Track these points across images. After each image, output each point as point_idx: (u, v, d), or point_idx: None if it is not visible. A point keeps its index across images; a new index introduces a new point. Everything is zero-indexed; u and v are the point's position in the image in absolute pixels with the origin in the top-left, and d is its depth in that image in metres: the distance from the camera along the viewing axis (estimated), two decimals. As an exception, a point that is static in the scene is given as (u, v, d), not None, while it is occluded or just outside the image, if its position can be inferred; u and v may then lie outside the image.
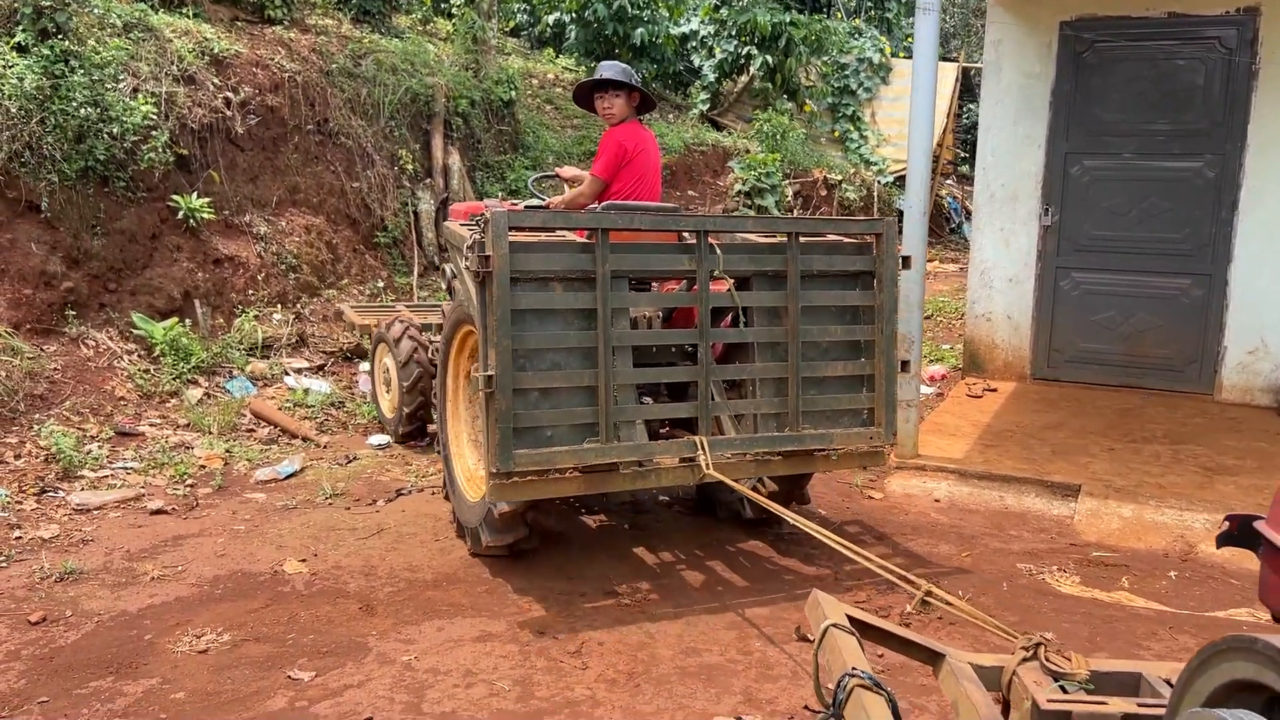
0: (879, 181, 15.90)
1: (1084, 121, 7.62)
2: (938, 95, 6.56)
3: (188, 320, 7.37)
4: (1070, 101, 7.63)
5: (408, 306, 7.84)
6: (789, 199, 14.04)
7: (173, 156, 7.65)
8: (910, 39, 19.55)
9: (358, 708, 3.41)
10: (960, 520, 5.45)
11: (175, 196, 7.69)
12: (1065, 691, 2.13)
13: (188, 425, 6.45)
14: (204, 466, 5.84)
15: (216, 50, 8.39)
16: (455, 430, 5.05)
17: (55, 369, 6.45)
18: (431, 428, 6.40)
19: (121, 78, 7.47)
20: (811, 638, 2.36)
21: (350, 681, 3.58)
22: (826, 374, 4.61)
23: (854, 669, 2.09)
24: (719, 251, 4.39)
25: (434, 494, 5.52)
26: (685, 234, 4.51)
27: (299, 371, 7.61)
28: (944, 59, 15.23)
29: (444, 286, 6.38)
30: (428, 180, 10.51)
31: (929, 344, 9.27)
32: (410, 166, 10.18)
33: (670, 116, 15.72)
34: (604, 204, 5.05)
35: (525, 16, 17.10)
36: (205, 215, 7.83)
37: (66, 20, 7.06)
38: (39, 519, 5.04)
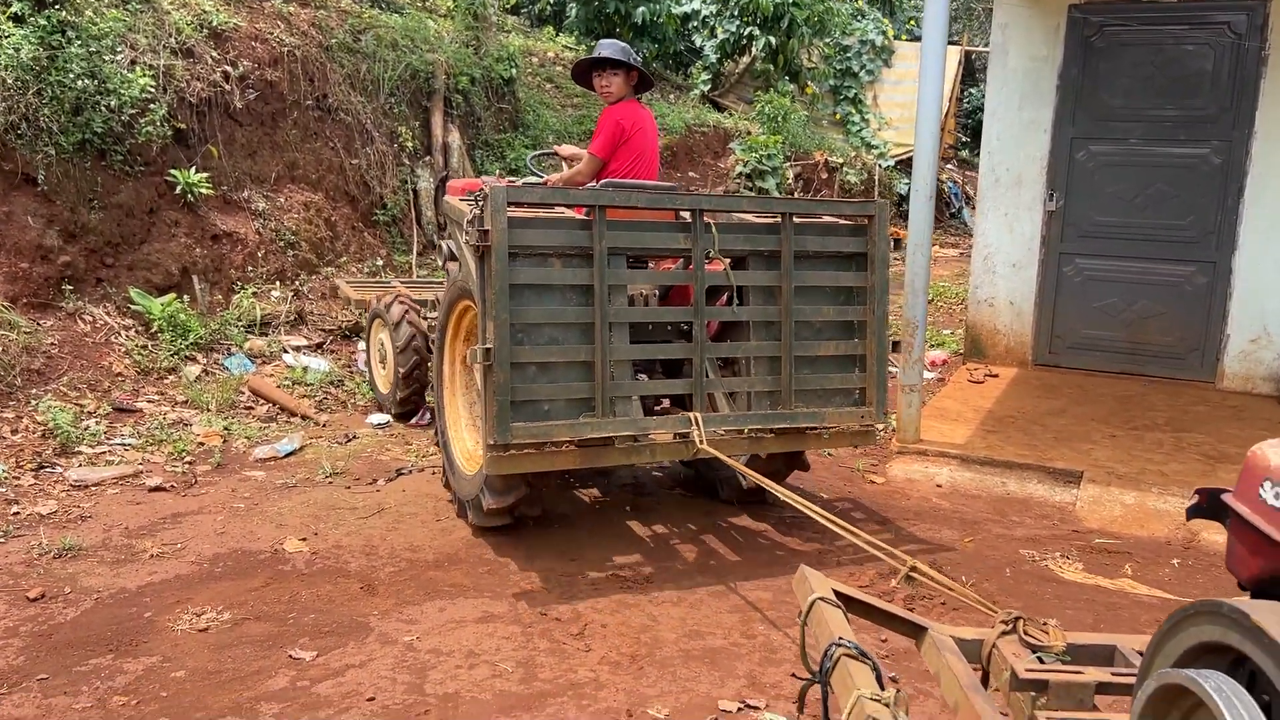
0: (880, 165, 15.84)
1: (1090, 106, 7.57)
2: (945, 78, 6.48)
3: (186, 296, 7.32)
4: (1077, 86, 7.58)
5: (403, 282, 7.81)
6: (790, 181, 13.97)
7: (170, 130, 7.57)
8: (913, 22, 19.47)
9: (360, 688, 3.38)
10: (962, 506, 5.43)
11: (173, 171, 7.62)
12: (1042, 662, 2.19)
13: (186, 402, 6.40)
14: (202, 444, 5.80)
15: (215, 23, 8.29)
16: (453, 417, 5.07)
17: (52, 344, 6.39)
18: (428, 401, 6.42)
19: (119, 49, 7.38)
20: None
21: (352, 661, 3.56)
22: (819, 353, 4.68)
23: (840, 639, 2.13)
24: (715, 231, 4.43)
25: (434, 474, 5.49)
26: (682, 213, 4.56)
27: (298, 349, 7.56)
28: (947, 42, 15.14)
29: (440, 264, 6.37)
30: (427, 158, 10.43)
31: (930, 329, 9.24)
32: (410, 144, 10.10)
33: (671, 97, 15.63)
34: (602, 182, 5.06)
35: (526, -7, 16.98)
36: (203, 190, 7.76)
37: (64, -10, 6.97)
38: (37, 495, 5.00)
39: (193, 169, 7.73)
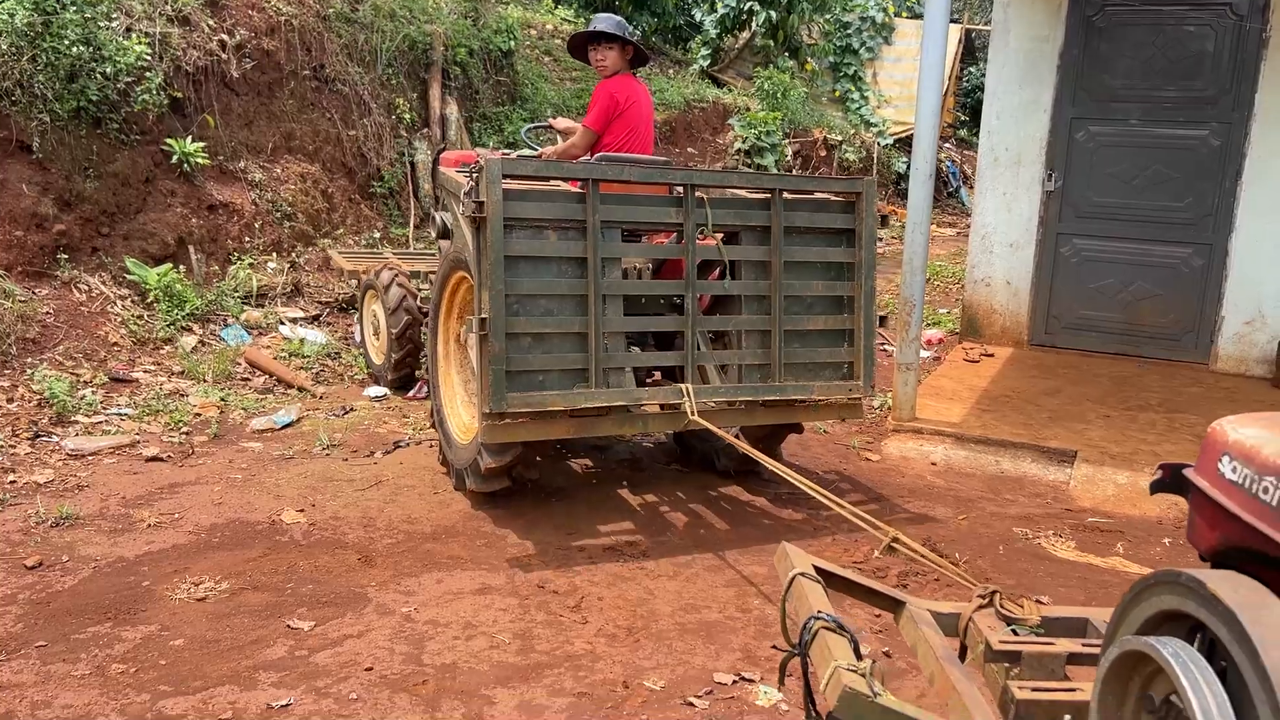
0: (879, 143, 15.80)
1: (1091, 87, 7.55)
2: (946, 55, 6.46)
3: (182, 267, 7.30)
4: (1078, 66, 7.55)
5: (395, 254, 7.81)
6: (788, 158, 13.93)
7: (166, 99, 7.52)
8: (914, -1, 19.34)
9: (358, 658, 3.41)
10: (956, 484, 5.46)
11: (169, 140, 7.57)
12: (1017, 635, 2.23)
13: (182, 373, 6.40)
14: (199, 414, 5.80)
15: (212, -9, 8.22)
16: (449, 395, 5.12)
17: (47, 313, 6.38)
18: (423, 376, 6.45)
19: (114, 16, 7.32)
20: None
21: (350, 632, 3.58)
22: (808, 327, 4.77)
23: (819, 612, 2.18)
24: (708, 205, 4.49)
25: (431, 447, 5.50)
26: (675, 188, 4.62)
27: (294, 321, 7.55)
28: (948, 20, 15.06)
29: (433, 235, 6.40)
30: (425, 130, 10.37)
31: (926, 308, 9.23)
32: (407, 116, 10.05)
33: (670, 72, 15.53)
34: (596, 156, 5.09)
35: (524, -35, 16.82)
36: (199, 160, 7.72)
37: (59, -44, 6.90)
38: (33, 463, 5.00)
39: (189, 138, 7.68)
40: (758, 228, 4.64)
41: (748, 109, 14.32)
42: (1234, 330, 7.33)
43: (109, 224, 7.21)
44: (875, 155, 15.56)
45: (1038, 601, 2.37)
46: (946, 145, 18.55)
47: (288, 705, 3.12)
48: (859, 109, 16.77)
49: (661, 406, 4.54)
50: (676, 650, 3.56)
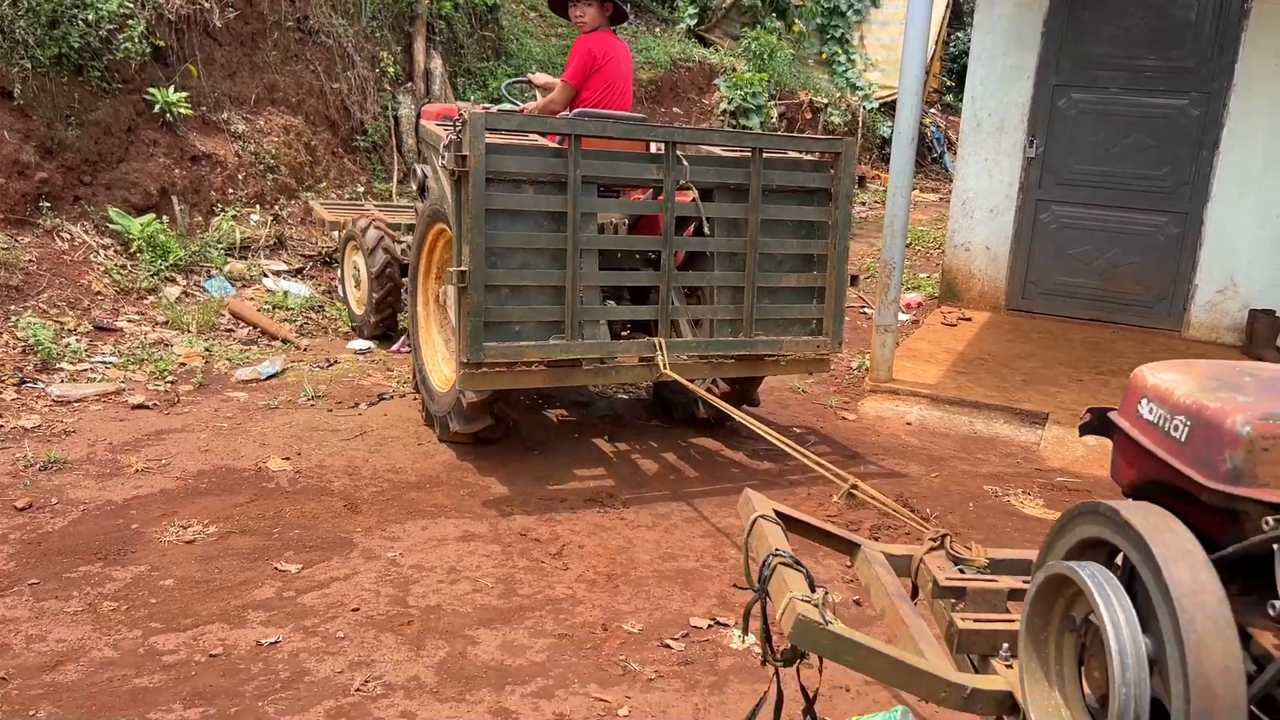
0: (864, 107, 15.80)
1: (1074, 54, 7.60)
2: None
3: (165, 217, 7.28)
4: (1061, 33, 7.60)
5: (377, 206, 7.84)
6: (774, 120, 13.93)
7: (149, 48, 7.46)
8: (902, -38, 19.24)
9: (344, 599, 3.50)
10: (930, 443, 5.59)
11: (151, 89, 7.52)
12: (963, 574, 2.36)
13: (166, 323, 6.42)
14: (184, 364, 5.83)
15: (195, -62, 8.12)
16: (430, 354, 5.21)
17: (30, 261, 6.37)
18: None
19: (97, -38, 7.23)
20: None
21: (336, 575, 3.67)
22: (780, 284, 4.88)
23: (777, 550, 2.29)
24: (686, 163, 4.58)
25: (415, 399, 5.57)
26: (654, 144, 4.70)
27: (277, 274, 7.56)
28: (935, -16, 15.01)
29: (414, 188, 6.45)
30: (409, 84, 10.32)
31: (906, 272, 9.34)
32: (391, 69, 9.99)
33: (657, 30, 15.44)
34: (575, 111, 5.15)
35: (511, -81, 16.60)
36: (182, 110, 7.68)
37: (40, -102, 6.80)
38: (19, 409, 5.04)
39: (171, 88, 7.63)
40: (735, 186, 4.72)
41: (734, 69, 14.28)
42: (1206, 298, 7.47)
43: (91, 173, 7.18)
44: (861, 119, 15.58)
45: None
46: (932, 111, 18.57)
47: (276, 643, 3.21)
48: (845, 72, 16.74)
49: (636, 359, 4.66)
50: (654, 596, 3.67)
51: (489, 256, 4.19)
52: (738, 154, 4.82)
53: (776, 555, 2.27)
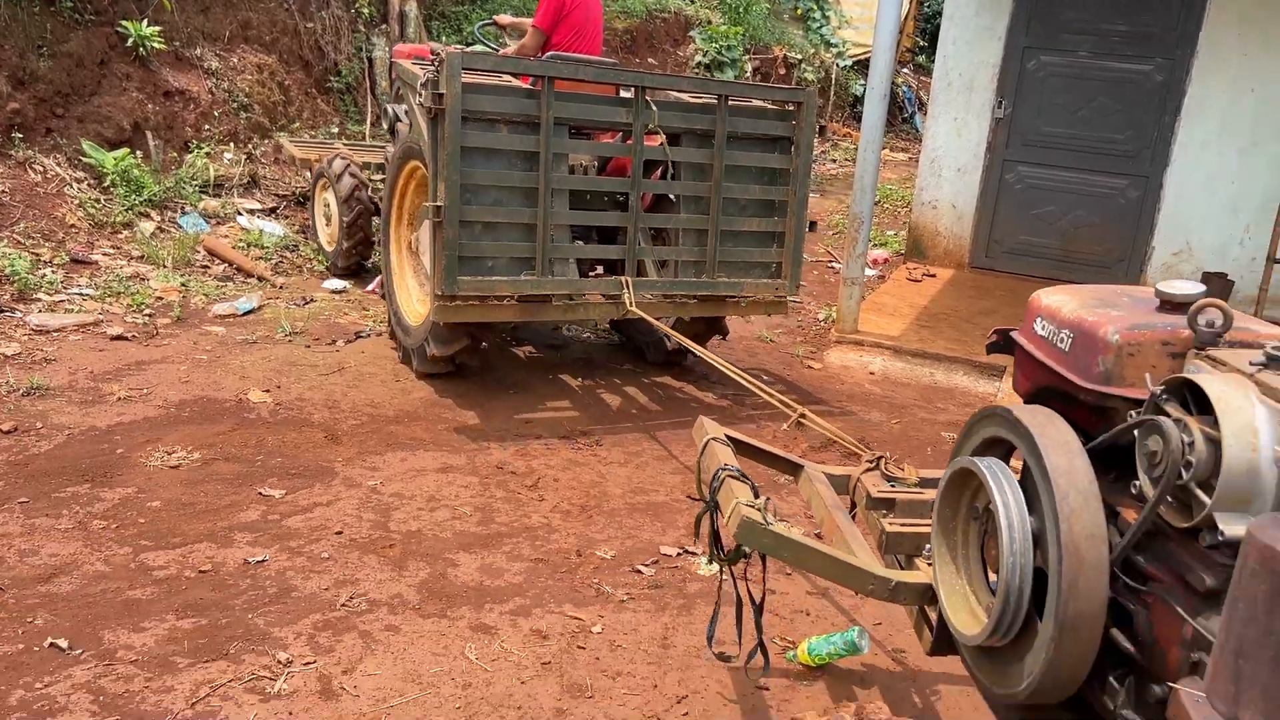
0: (838, 64, 15.85)
1: (1044, 16, 7.73)
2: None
3: (139, 152, 7.25)
4: (1034, -5, 7.73)
5: (347, 144, 7.87)
6: (748, 74, 13.96)
7: (123, -21, 7.38)
8: (880, -81, 19.19)
9: (328, 523, 3.63)
10: (892, 392, 5.78)
11: (124, 22, 7.45)
12: (894, 488, 2.61)
13: (141, 257, 6.44)
14: (161, 298, 5.88)
15: None
16: (405, 299, 5.33)
17: (3, 191, 6.34)
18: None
19: (69, -111, 7.12)
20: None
21: (319, 500, 3.79)
22: (742, 228, 5.09)
23: (725, 465, 2.52)
24: (655, 108, 4.72)
25: (393, 346, 5.66)
26: (624, 89, 4.87)
27: (251, 213, 7.57)
28: (912, -58, 15.05)
29: (386, 128, 6.53)
30: (383, 26, 10.25)
31: (874, 229, 9.50)
32: (366, 10, 9.91)
33: (633, -20, 15.34)
34: (546, 55, 5.26)
35: None
36: (156, 45, 7.62)
37: None
38: (-2, 337, 5.08)
39: (144, 22, 7.56)
40: (701, 131, 4.89)
41: (709, 22, 14.27)
42: (1162, 260, 7.70)
43: (63, 105, 7.13)
44: (834, 76, 15.64)
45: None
46: (904, 70, 18.65)
47: (263, 561, 3.34)
48: (820, 28, 16.76)
49: (603, 297, 4.86)
50: (626, 526, 3.83)
51: (463, 193, 4.34)
52: (704, 100, 4.96)
53: (725, 469, 2.50)
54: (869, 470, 2.64)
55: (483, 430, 4.59)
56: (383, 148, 7.67)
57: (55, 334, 5.20)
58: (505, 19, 6.04)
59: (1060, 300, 1.98)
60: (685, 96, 5.03)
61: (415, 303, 5.28)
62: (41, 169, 6.72)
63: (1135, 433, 1.66)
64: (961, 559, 2.00)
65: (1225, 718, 1.31)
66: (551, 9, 5.40)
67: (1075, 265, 7.98)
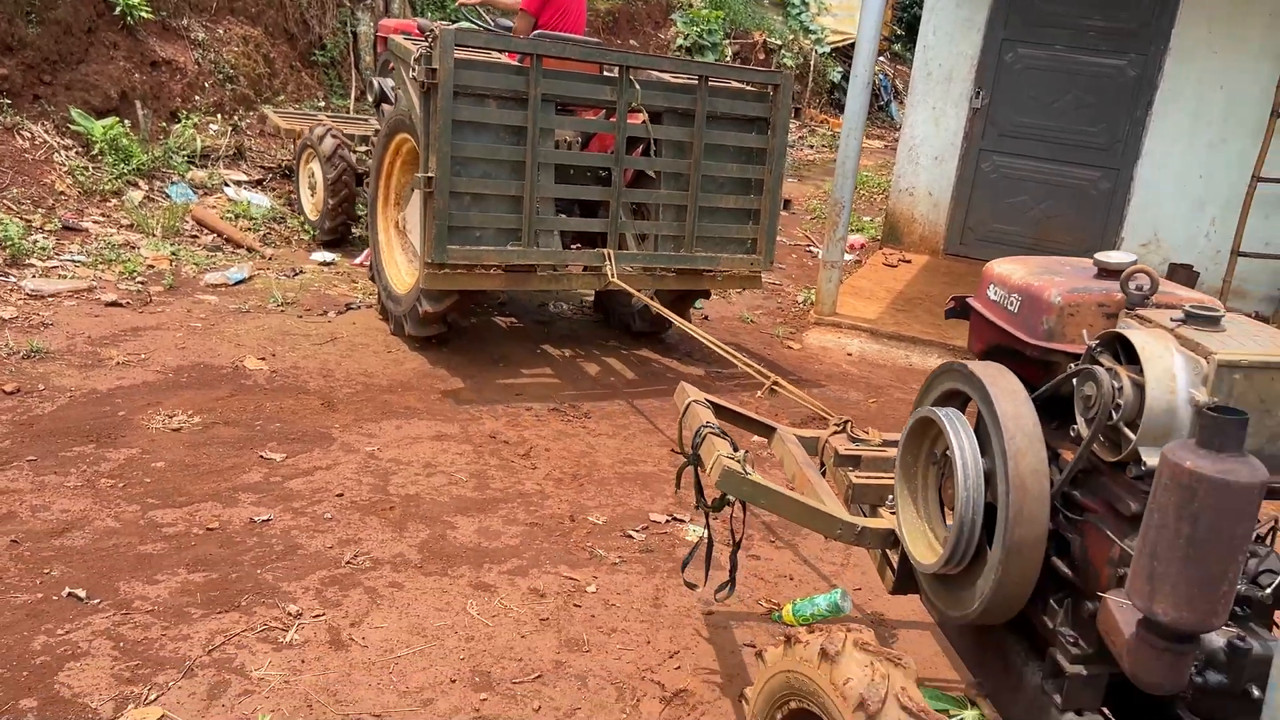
0: (816, 51, 15.98)
1: (1023, 9, 7.91)
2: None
3: (127, 121, 7.27)
4: (1013, -12, 7.90)
5: (330, 116, 7.94)
6: (728, 59, 14.07)
7: (111, -53, 7.37)
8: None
9: (328, 486, 3.75)
10: (869, 372, 5.96)
11: (112, -10, 7.44)
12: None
13: (131, 226, 6.48)
14: (152, 266, 5.93)
15: None
16: (394, 274, 5.46)
17: (-9, 157, 6.36)
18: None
19: None
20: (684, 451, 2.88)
21: (319, 464, 3.91)
22: (720, 205, 5.29)
23: (707, 423, 2.73)
24: (638, 86, 4.90)
25: (383, 320, 5.76)
26: (609, 68, 5.06)
27: (238, 184, 7.61)
28: (893, -68, 15.16)
29: (371, 100, 6.66)
30: (367, 1, 10.26)
31: (851, 215, 9.67)
32: (352, -16, 9.93)
33: (616, -39, 15.38)
34: (535, 33, 5.42)
35: None
36: (143, 14, 7.62)
37: None
38: (-7, 301, 5.13)
39: (132, -10, 7.56)
40: (682, 110, 5.07)
41: (691, 5, 14.36)
42: (1131, 251, 7.91)
43: (51, 72, 7.13)
44: (812, 63, 15.78)
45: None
46: (881, 59, 18.82)
47: (268, 520, 3.46)
48: (799, 14, 16.89)
49: (585, 268, 5.05)
50: (616, 494, 3.98)
51: (454, 165, 4.51)
52: (685, 80, 5.14)
53: (706, 427, 2.70)
54: (836, 433, 2.83)
55: (474, 401, 4.72)
56: (365, 120, 7.77)
57: (50, 299, 5.25)
58: None
59: (1010, 268, 2.19)
60: (667, 76, 5.21)
61: (404, 275, 5.41)
62: (29, 135, 6.73)
63: (1074, 381, 1.87)
64: (921, 500, 2.21)
65: (1144, 611, 1.51)
66: None
67: (1046, 254, 8.17)
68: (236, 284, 5.91)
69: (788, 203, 9.86)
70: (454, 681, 2.76)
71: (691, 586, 3.10)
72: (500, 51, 4.84)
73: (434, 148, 4.46)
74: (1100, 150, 7.91)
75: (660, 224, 5.18)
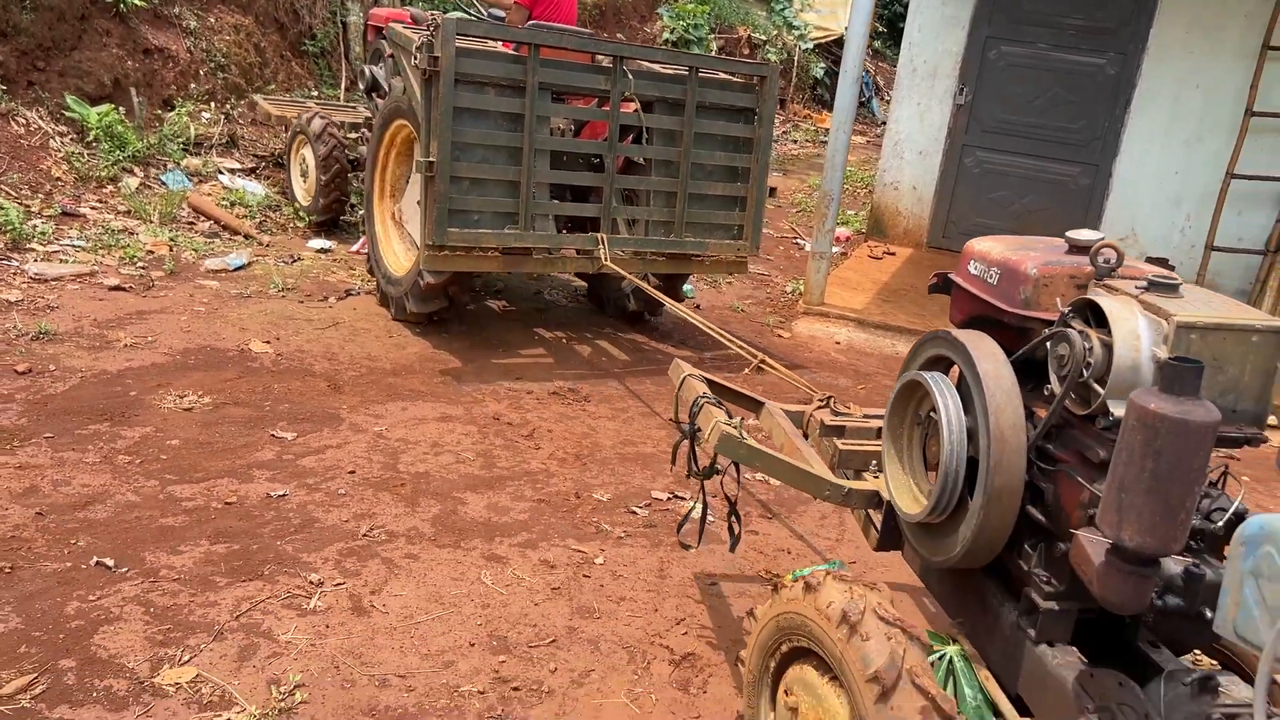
0: (800, 47, 16.14)
1: (1007, 7, 8.08)
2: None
3: (122, 108, 7.30)
4: (997, -13, 8.07)
5: (319, 103, 8.01)
6: (714, 53, 14.19)
7: (105, -66, 7.40)
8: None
9: (340, 463, 3.85)
10: (856, 360, 6.11)
11: (105, -23, 7.47)
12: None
13: (128, 212, 6.53)
14: (151, 252, 5.99)
15: None
16: (393, 262, 5.58)
17: (-12, 142, 6.39)
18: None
19: None
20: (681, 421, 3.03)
21: (329, 444, 4.01)
22: (708, 192, 5.49)
23: (704, 394, 2.90)
24: (631, 76, 5.06)
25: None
26: (603, 57, 5.22)
27: (232, 172, 7.66)
28: (876, -70, 15.30)
29: (363, 88, 6.78)
30: (358, -9, 10.30)
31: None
32: (342, -26, 9.97)
33: (601, -45, 15.46)
34: (530, 23, 5.57)
35: None
36: (136, 2, 7.64)
37: None
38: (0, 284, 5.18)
39: (125, -23, 7.58)
40: (673, 100, 5.23)
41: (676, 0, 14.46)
42: (1108, 245, 8.12)
43: (45, 58, 7.16)
44: (796, 58, 15.94)
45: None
46: (863, 55, 19.00)
47: (284, 495, 3.56)
48: (783, 10, 17.02)
49: (579, 252, 5.23)
50: (619, 473, 4.11)
51: (454, 150, 4.66)
52: (676, 71, 5.30)
53: (703, 397, 2.87)
54: (820, 408, 3.00)
55: (477, 384, 4.83)
56: (354, 108, 7.87)
57: (54, 283, 5.31)
58: None
59: (989, 245, 2.39)
60: (659, 67, 5.38)
61: (402, 260, 5.53)
62: (25, 121, 6.76)
63: (1049, 344, 2.05)
64: (907, 457, 2.39)
65: (1112, 540, 1.70)
66: None
67: (1027, 248, 8.37)
68: (236, 270, 5.98)
69: (773, 190, 10.05)
70: (473, 645, 2.88)
71: (686, 547, 3.35)
72: (498, 41, 4.96)
73: (435, 133, 4.61)
74: (1080, 147, 8.10)
75: (651, 209, 5.36)
